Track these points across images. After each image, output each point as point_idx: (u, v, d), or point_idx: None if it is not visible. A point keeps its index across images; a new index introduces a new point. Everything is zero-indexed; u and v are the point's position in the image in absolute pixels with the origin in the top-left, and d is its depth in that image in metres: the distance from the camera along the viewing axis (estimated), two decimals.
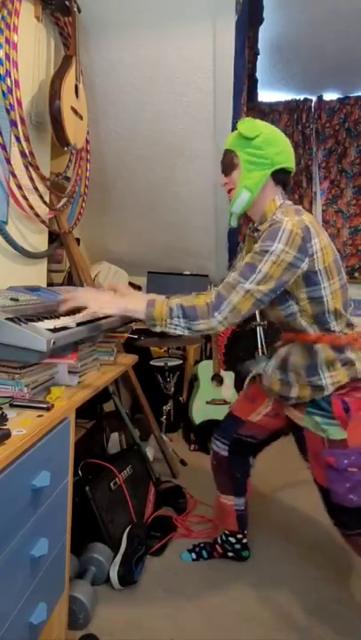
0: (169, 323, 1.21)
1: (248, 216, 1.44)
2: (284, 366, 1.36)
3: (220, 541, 1.71)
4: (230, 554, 1.69)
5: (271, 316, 1.39)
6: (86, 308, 1.23)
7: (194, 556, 1.71)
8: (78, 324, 1.21)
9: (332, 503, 1.28)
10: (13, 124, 1.55)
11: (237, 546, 1.69)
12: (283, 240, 1.17)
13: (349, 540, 1.31)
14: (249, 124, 1.30)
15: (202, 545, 1.73)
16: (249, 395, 1.60)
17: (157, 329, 1.23)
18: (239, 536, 1.69)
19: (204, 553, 1.71)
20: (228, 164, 1.36)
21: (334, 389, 1.25)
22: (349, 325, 1.30)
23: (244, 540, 1.70)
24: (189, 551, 1.72)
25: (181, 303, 1.21)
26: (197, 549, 1.72)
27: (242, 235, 3.34)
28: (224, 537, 1.70)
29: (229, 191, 1.38)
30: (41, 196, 1.78)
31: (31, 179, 1.70)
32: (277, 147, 1.31)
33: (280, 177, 1.33)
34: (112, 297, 1.31)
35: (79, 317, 1.23)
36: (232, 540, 1.69)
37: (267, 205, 1.33)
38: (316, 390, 1.27)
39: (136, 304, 1.25)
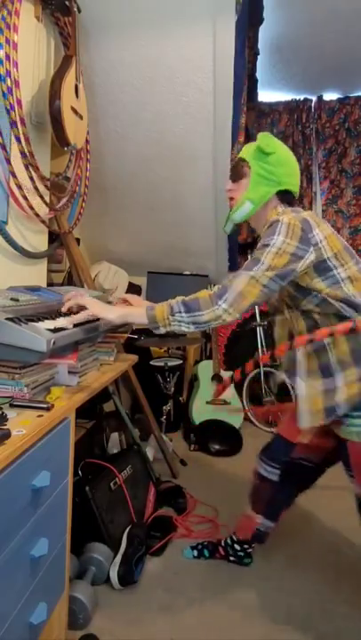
0: (172, 320, 1.18)
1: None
2: (326, 371, 1.23)
3: (223, 544, 1.70)
4: (232, 558, 1.68)
5: (296, 322, 1.31)
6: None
7: (195, 553, 1.71)
8: (75, 325, 1.21)
9: None
10: (13, 124, 1.55)
11: (241, 553, 1.67)
12: (282, 233, 1.17)
13: None
14: (268, 140, 1.32)
15: (205, 544, 1.73)
16: (295, 413, 1.39)
17: (161, 330, 1.20)
18: (245, 545, 1.66)
19: (206, 552, 1.71)
20: (239, 171, 1.37)
21: None
22: None
23: (250, 550, 1.67)
24: (192, 548, 1.72)
25: (183, 299, 1.20)
26: (200, 547, 1.72)
27: (243, 235, 3.35)
28: (229, 541, 1.68)
29: (231, 198, 1.39)
30: (41, 196, 1.78)
31: (31, 179, 1.70)
32: (287, 169, 1.33)
33: (284, 197, 1.35)
34: (115, 305, 1.29)
35: (76, 318, 1.22)
36: (237, 547, 1.67)
37: (269, 214, 1.34)
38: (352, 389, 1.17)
39: (135, 309, 1.24)
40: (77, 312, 1.25)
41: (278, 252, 1.16)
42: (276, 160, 1.31)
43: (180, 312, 1.17)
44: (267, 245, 1.17)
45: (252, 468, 1.58)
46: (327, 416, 1.21)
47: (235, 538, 1.67)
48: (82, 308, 1.24)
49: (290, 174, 1.33)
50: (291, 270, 1.17)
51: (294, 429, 1.38)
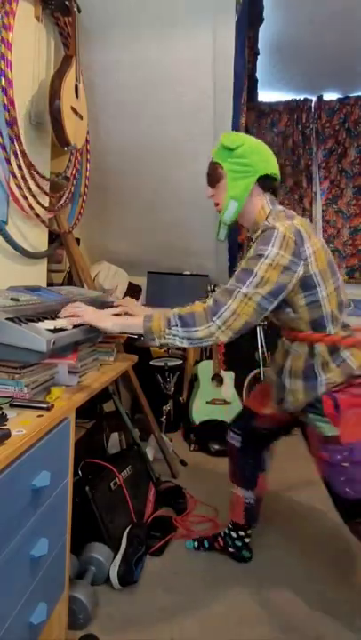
0: (167, 334, 1.18)
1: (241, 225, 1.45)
2: (281, 372, 1.40)
3: (222, 534, 1.75)
4: (231, 549, 1.71)
5: (272, 317, 1.40)
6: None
7: (196, 544, 1.76)
8: (76, 326, 1.21)
9: (332, 494, 1.32)
10: (13, 124, 1.55)
11: (238, 542, 1.70)
12: (277, 244, 1.18)
13: (351, 527, 1.34)
14: (231, 136, 1.34)
15: (205, 536, 1.79)
16: (263, 389, 1.63)
17: (156, 342, 1.21)
18: (241, 533, 1.70)
19: (206, 542, 1.76)
20: (214, 175, 1.37)
21: (327, 389, 1.27)
22: (345, 327, 1.32)
23: (247, 540, 1.70)
24: (193, 540, 1.78)
25: (179, 312, 1.20)
26: (200, 538, 1.78)
27: (242, 235, 3.35)
28: (227, 530, 1.74)
29: (216, 204, 1.40)
30: (41, 196, 1.78)
31: (31, 178, 1.70)
32: (260, 155, 1.33)
33: (266, 184, 1.35)
34: (111, 315, 1.29)
35: (74, 321, 1.22)
36: (233, 534, 1.71)
37: (256, 214, 1.35)
38: (310, 393, 1.30)
39: (133, 319, 1.25)
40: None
41: (272, 265, 1.17)
42: (245, 151, 1.31)
43: (176, 326, 1.18)
44: (260, 256, 1.18)
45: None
46: (279, 406, 1.42)
47: (230, 525, 1.73)
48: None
49: (264, 160, 1.33)
50: (283, 286, 1.19)
51: (260, 403, 1.58)
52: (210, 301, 1.19)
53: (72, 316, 1.25)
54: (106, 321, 1.23)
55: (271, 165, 1.35)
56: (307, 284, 1.23)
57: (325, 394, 1.27)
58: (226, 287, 1.20)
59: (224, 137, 1.34)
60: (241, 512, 1.67)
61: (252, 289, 1.16)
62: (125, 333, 1.30)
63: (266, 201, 1.35)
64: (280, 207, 1.36)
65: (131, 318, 1.27)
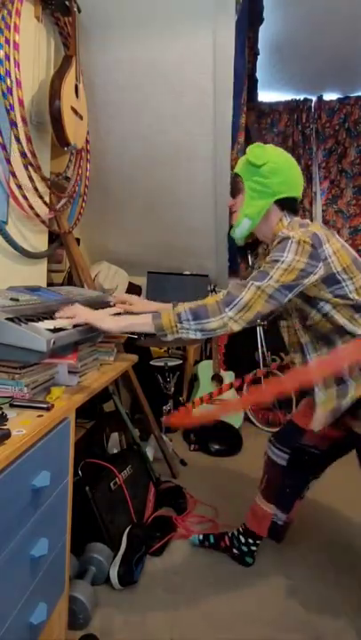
0: (180, 328, 1.19)
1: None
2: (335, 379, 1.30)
3: (230, 534, 1.70)
4: (235, 551, 1.67)
5: (305, 334, 1.35)
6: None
7: (201, 537, 1.75)
8: (75, 326, 1.22)
9: None
10: (14, 124, 1.55)
11: (244, 548, 1.66)
12: (292, 250, 1.18)
13: None
14: (258, 151, 1.31)
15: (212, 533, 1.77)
16: (309, 402, 1.50)
17: (169, 338, 1.21)
18: (250, 540, 1.65)
19: (211, 537, 1.74)
20: (235, 187, 1.38)
21: None
22: None
23: (253, 548, 1.66)
24: (199, 534, 1.76)
25: (190, 306, 1.20)
26: (205, 533, 1.76)
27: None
28: (236, 532, 1.68)
29: (232, 213, 1.40)
30: (41, 196, 1.78)
31: (31, 179, 1.70)
32: (283, 176, 1.31)
33: (285, 204, 1.34)
34: (113, 316, 1.29)
35: (74, 321, 1.23)
36: (242, 539, 1.66)
37: (274, 227, 1.34)
38: None
39: (138, 318, 1.24)
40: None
41: (288, 269, 1.17)
42: (269, 171, 1.29)
43: (187, 320, 1.18)
44: (276, 261, 1.18)
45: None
46: (335, 413, 1.29)
47: (241, 529, 1.67)
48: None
49: (286, 182, 1.31)
50: (299, 284, 1.19)
51: (308, 417, 1.41)
52: (221, 295, 1.20)
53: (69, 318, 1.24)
54: (108, 322, 1.23)
55: (292, 187, 1.33)
56: (331, 280, 1.22)
57: None
58: (240, 282, 1.21)
59: (250, 150, 1.32)
60: (266, 528, 1.59)
61: (265, 283, 1.17)
62: (134, 333, 1.29)
63: (285, 216, 1.34)
64: (297, 218, 1.35)
65: (135, 317, 1.26)
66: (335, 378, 1.28)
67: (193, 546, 1.76)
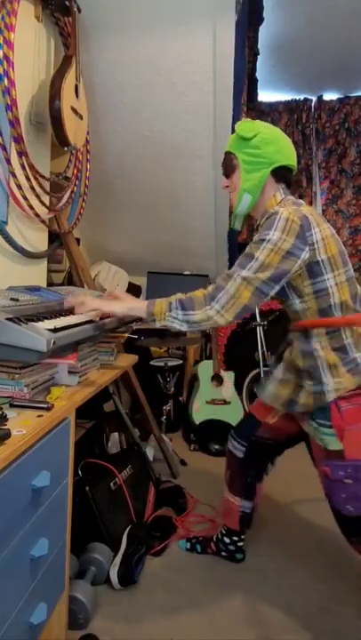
0: (167, 316, 1.20)
1: (251, 217, 1.44)
2: (291, 368, 1.32)
3: (215, 539, 1.71)
4: (223, 553, 1.68)
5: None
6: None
7: (188, 545, 1.73)
8: (82, 324, 1.23)
9: (332, 510, 1.26)
10: (13, 124, 1.55)
11: (231, 547, 1.67)
12: (279, 228, 1.15)
13: (352, 545, 1.28)
14: (247, 125, 1.30)
15: (199, 539, 1.75)
16: None
17: (157, 324, 1.23)
18: (235, 538, 1.67)
19: (198, 547, 1.72)
20: (229, 165, 1.36)
21: (337, 397, 1.19)
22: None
23: (240, 543, 1.67)
24: (187, 540, 1.75)
25: (181, 297, 1.22)
26: (193, 541, 1.74)
27: (243, 235, 3.34)
28: (220, 536, 1.70)
29: (232, 193, 1.38)
30: (41, 196, 1.78)
31: (31, 179, 1.70)
32: (275, 145, 1.30)
33: (281, 174, 1.32)
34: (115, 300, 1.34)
35: (83, 316, 1.25)
36: (227, 540, 1.67)
37: (268, 202, 1.32)
38: (319, 397, 1.22)
39: (139, 302, 1.28)
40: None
41: (273, 249, 1.15)
42: (260, 140, 1.28)
43: (176, 309, 1.20)
44: (262, 240, 1.16)
45: None
46: (287, 407, 1.33)
47: (223, 530, 1.68)
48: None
49: (279, 150, 1.29)
50: (285, 271, 1.16)
51: (265, 410, 1.50)
52: (210, 287, 1.20)
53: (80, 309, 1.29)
54: (116, 307, 1.27)
55: (286, 156, 1.31)
56: (314, 270, 1.18)
57: (334, 403, 1.19)
58: (227, 272, 1.20)
59: (239, 125, 1.31)
60: (236, 520, 1.62)
61: (251, 273, 1.15)
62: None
63: (280, 191, 1.32)
64: (291, 197, 1.33)
65: (136, 302, 1.30)
66: (288, 365, 1.31)
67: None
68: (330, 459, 1.21)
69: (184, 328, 1.20)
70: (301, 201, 1.30)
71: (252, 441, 1.54)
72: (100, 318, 1.38)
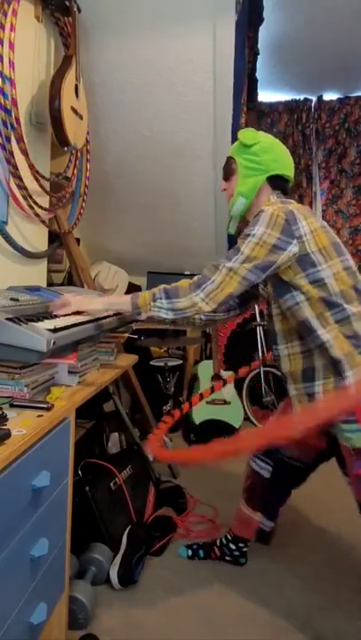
0: (153, 306, 1.22)
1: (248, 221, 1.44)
2: (303, 375, 1.26)
3: (219, 544, 1.69)
4: (228, 558, 1.67)
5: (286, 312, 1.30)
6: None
7: (190, 552, 1.70)
8: (82, 323, 1.23)
9: None
10: (13, 124, 1.55)
11: (236, 553, 1.66)
12: (264, 223, 1.18)
13: None
14: (249, 133, 1.34)
15: (200, 544, 1.73)
16: (285, 411, 1.47)
17: (143, 316, 1.24)
18: (241, 544, 1.65)
19: (201, 552, 1.70)
20: (228, 169, 1.40)
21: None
22: None
23: (245, 549, 1.66)
24: (187, 547, 1.72)
25: (165, 287, 1.23)
26: (195, 547, 1.71)
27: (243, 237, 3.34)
28: (225, 541, 1.67)
29: (229, 196, 1.41)
30: (41, 196, 1.78)
31: (31, 179, 1.70)
32: (274, 154, 1.33)
33: (276, 183, 1.35)
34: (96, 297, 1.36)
35: (69, 309, 1.27)
36: (232, 546, 1.65)
37: (261, 205, 1.34)
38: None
39: (120, 297, 1.29)
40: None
41: (258, 243, 1.16)
42: (260, 149, 1.32)
43: (160, 298, 1.21)
44: (248, 235, 1.19)
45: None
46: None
47: (230, 536, 1.66)
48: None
49: (277, 159, 1.33)
50: (271, 262, 1.17)
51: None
52: (196, 277, 1.22)
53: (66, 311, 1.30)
54: (95, 303, 1.28)
55: (283, 166, 1.34)
56: (305, 262, 1.18)
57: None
58: (213, 263, 1.21)
59: (242, 133, 1.35)
60: (253, 532, 1.57)
61: (237, 264, 1.17)
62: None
63: (273, 196, 1.34)
64: (283, 199, 1.34)
65: (119, 297, 1.31)
66: (303, 371, 1.25)
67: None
68: (359, 457, 1.17)
69: (170, 316, 1.21)
70: (291, 200, 1.33)
71: (279, 460, 1.48)
72: (100, 318, 1.38)
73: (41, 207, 1.79)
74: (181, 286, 1.21)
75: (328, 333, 1.17)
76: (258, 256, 1.16)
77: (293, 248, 1.17)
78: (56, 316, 1.31)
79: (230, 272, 1.17)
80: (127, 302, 1.25)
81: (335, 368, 1.16)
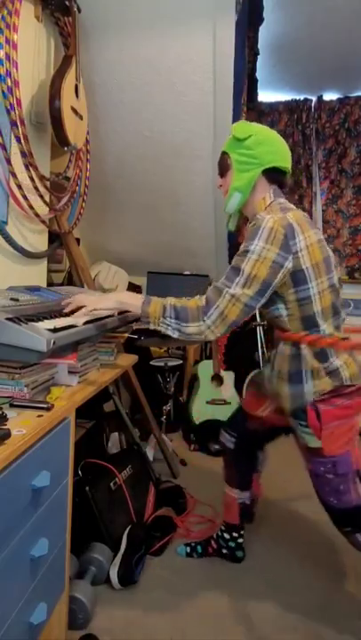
0: (161, 321, 1.21)
1: (247, 217, 1.44)
2: (271, 372, 1.38)
3: (215, 537, 1.72)
4: (224, 550, 1.69)
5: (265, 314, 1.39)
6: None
7: (188, 549, 1.72)
8: (86, 323, 1.23)
9: (321, 503, 1.33)
10: (14, 124, 1.55)
11: (232, 544, 1.68)
12: (263, 238, 1.16)
13: (344, 535, 1.34)
14: (242, 127, 1.32)
15: (198, 541, 1.75)
16: (255, 392, 1.58)
17: (151, 326, 1.24)
18: (234, 534, 1.67)
19: (199, 548, 1.72)
20: (223, 165, 1.38)
21: (314, 399, 1.24)
22: (338, 328, 1.28)
23: (240, 540, 1.68)
24: (185, 545, 1.74)
25: (175, 303, 1.21)
26: (193, 544, 1.74)
27: (242, 236, 3.35)
28: (220, 532, 1.71)
29: (225, 193, 1.40)
30: (41, 196, 1.78)
31: (31, 179, 1.70)
32: (269, 146, 1.31)
33: (273, 176, 1.33)
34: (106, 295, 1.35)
35: (78, 315, 1.24)
36: (227, 536, 1.68)
37: (257, 204, 1.33)
38: (296, 400, 1.27)
39: (133, 299, 1.27)
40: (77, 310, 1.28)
41: (258, 260, 1.16)
42: (254, 142, 1.30)
43: (170, 317, 1.20)
44: (247, 252, 1.18)
45: None
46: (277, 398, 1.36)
47: (223, 527, 1.70)
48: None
49: (272, 152, 1.31)
50: (270, 283, 1.18)
51: (256, 403, 1.54)
52: (203, 300, 1.21)
53: (78, 309, 1.28)
54: (107, 301, 1.27)
55: (280, 158, 1.32)
56: (298, 278, 1.20)
57: (310, 404, 1.25)
58: (217, 285, 1.21)
59: (235, 127, 1.33)
60: (236, 513, 1.64)
61: (239, 289, 1.16)
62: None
63: (269, 193, 1.32)
64: (282, 200, 1.33)
65: (130, 297, 1.28)
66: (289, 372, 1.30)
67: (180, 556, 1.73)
68: (311, 455, 1.28)
69: (175, 335, 1.22)
70: (291, 205, 1.31)
71: (242, 431, 1.60)
72: (101, 318, 1.38)
73: (41, 207, 1.79)
74: (190, 308, 1.20)
75: (304, 349, 1.26)
76: (258, 275, 1.16)
77: (289, 264, 1.18)
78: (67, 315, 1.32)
79: (233, 299, 1.17)
80: (138, 307, 1.24)
81: (298, 378, 1.27)
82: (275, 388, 1.35)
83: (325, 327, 1.24)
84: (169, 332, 1.22)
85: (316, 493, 1.33)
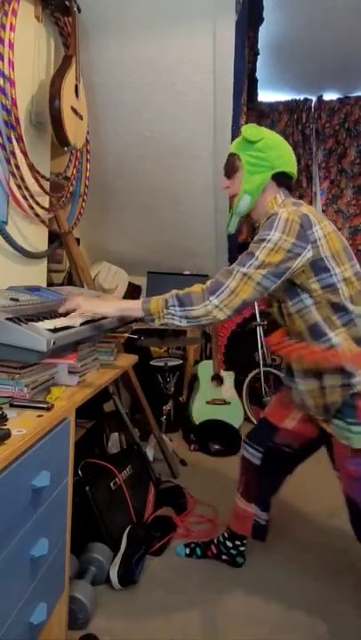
0: (165, 314, 1.19)
1: (247, 219, 1.44)
2: (309, 374, 1.28)
3: (216, 542, 1.69)
4: (224, 557, 1.66)
5: (286, 322, 1.32)
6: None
7: (187, 551, 1.71)
8: (83, 323, 1.22)
9: (356, 514, 1.24)
10: (13, 124, 1.55)
11: (233, 551, 1.65)
12: (279, 228, 1.15)
13: None
14: (253, 130, 1.33)
15: (198, 542, 1.73)
16: (282, 399, 1.49)
17: (156, 323, 1.21)
18: (238, 542, 1.64)
19: (198, 550, 1.70)
20: (231, 166, 1.37)
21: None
22: None
23: (242, 548, 1.65)
24: (185, 545, 1.72)
25: (177, 293, 1.20)
26: (192, 545, 1.72)
27: (243, 236, 3.35)
28: (222, 539, 1.67)
29: (231, 196, 1.39)
30: (41, 196, 1.78)
31: (31, 179, 1.70)
32: (278, 151, 1.32)
33: (281, 180, 1.34)
34: (105, 300, 1.32)
35: (76, 316, 1.24)
36: (229, 544, 1.65)
37: (268, 204, 1.33)
38: (346, 391, 1.18)
39: (131, 303, 1.25)
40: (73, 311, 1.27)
41: (274, 249, 1.14)
42: (264, 145, 1.31)
43: (173, 306, 1.18)
44: (263, 240, 1.16)
45: None
46: (325, 412, 1.25)
47: (226, 534, 1.66)
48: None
49: (281, 156, 1.32)
50: (286, 268, 1.16)
51: (280, 414, 1.45)
52: (209, 282, 1.19)
53: (72, 311, 1.26)
54: (106, 307, 1.25)
55: (288, 163, 1.33)
56: (319, 267, 1.18)
57: (360, 399, 1.15)
58: (227, 268, 1.19)
59: (246, 129, 1.33)
60: (248, 527, 1.57)
61: (252, 269, 1.14)
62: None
63: (280, 193, 1.33)
64: (293, 199, 1.33)
65: (129, 301, 1.27)
66: (314, 372, 1.25)
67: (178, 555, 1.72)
68: (356, 457, 1.19)
69: (183, 324, 1.19)
70: (302, 201, 1.31)
71: (270, 447, 1.48)
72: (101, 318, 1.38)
73: (41, 207, 1.79)
74: (194, 292, 1.17)
75: (337, 336, 1.19)
76: (273, 262, 1.14)
77: (308, 253, 1.16)
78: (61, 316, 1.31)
79: (245, 277, 1.14)
80: (138, 308, 1.22)
81: (344, 371, 1.18)
82: (310, 387, 1.27)
83: (357, 310, 1.19)
84: (176, 323, 1.19)
85: (351, 500, 1.24)
